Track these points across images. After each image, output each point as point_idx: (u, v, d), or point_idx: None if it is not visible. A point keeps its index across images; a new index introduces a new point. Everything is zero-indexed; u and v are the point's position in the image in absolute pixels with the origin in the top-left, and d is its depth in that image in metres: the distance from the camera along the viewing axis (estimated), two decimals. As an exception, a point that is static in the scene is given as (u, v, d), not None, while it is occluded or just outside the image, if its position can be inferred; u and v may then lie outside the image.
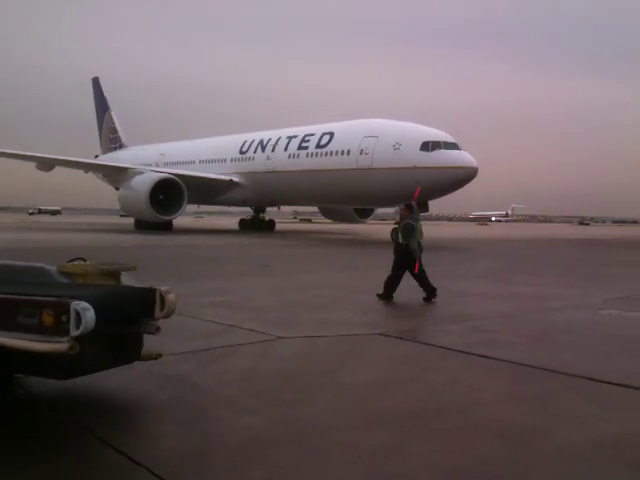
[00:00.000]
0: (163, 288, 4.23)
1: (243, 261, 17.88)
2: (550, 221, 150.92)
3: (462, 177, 27.55)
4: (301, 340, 6.57)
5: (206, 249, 23.17)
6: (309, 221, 77.16)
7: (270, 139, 35.76)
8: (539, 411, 4.34)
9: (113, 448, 3.49)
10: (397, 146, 28.31)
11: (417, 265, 9.60)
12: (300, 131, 34.50)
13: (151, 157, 43.94)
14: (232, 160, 37.78)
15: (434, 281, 10.20)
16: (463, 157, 27.55)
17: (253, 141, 36.94)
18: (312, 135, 33.04)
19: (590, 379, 5.09)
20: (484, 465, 3.38)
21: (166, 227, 34.96)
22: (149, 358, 4.45)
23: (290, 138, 34.46)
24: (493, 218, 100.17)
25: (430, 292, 9.59)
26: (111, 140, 54.53)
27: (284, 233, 39.47)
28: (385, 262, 18.28)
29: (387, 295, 9.56)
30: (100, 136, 57.02)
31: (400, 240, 9.83)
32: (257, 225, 41.98)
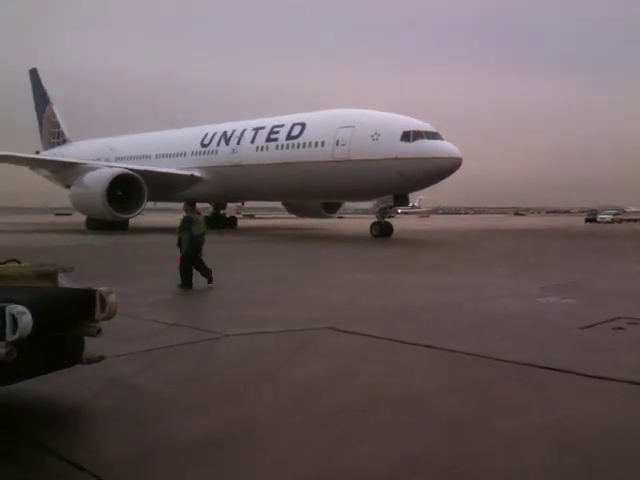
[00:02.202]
0: (103, 289, 4.18)
1: None
2: (487, 212, 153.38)
3: (446, 168, 26.32)
4: (248, 337, 6.57)
5: (155, 247, 22.46)
6: (252, 217, 74.99)
7: (234, 131, 33.55)
8: (479, 399, 4.51)
9: (55, 455, 3.43)
10: (376, 136, 26.67)
11: (180, 257, 10.58)
12: (267, 122, 32.42)
13: (99, 152, 41.15)
14: (193, 154, 35.35)
15: (383, 272, 12.51)
16: (446, 147, 26.24)
17: (215, 133, 34.61)
18: (281, 126, 31.01)
19: (528, 365, 5.28)
20: (431, 454, 3.50)
21: (121, 226, 32.03)
22: (90, 361, 4.38)
23: (257, 130, 32.30)
24: (399, 210, 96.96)
25: (208, 277, 10.52)
26: (53, 135, 51.03)
27: (248, 230, 37.24)
28: (340, 256, 19.13)
29: (185, 284, 10.33)
30: (40, 131, 52.76)
31: (178, 233, 10.86)
32: (218, 222, 39.28)
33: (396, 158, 26.26)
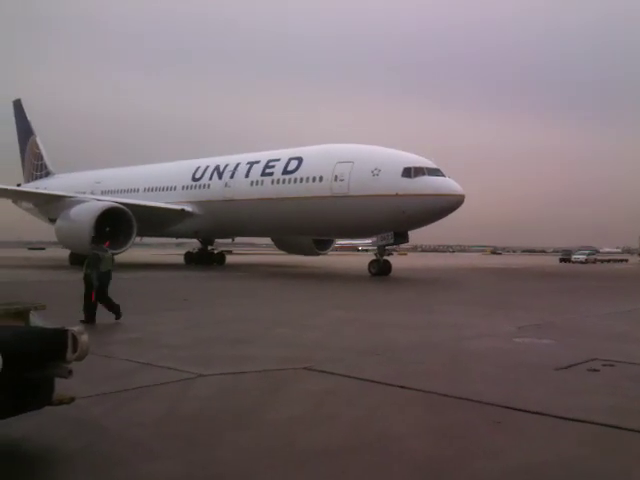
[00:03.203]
0: (76, 329, 4.10)
1: (173, 295, 17.22)
2: (465, 250, 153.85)
3: (449, 205, 25.70)
4: (223, 377, 6.53)
5: (131, 283, 22.03)
6: (229, 252, 73.33)
7: (227, 165, 32.68)
8: (456, 441, 4.52)
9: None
10: (376, 172, 25.99)
11: (93, 293, 10.80)
12: (262, 156, 31.59)
13: (85, 185, 40.03)
14: (183, 188, 34.39)
15: (360, 311, 13.11)
16: (449, 184, 25.59)
17: (207, 167, 33.73)
18: (277, 160, 30.18)
19: (505, 407, 5.31)
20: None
21: None
22: (61, 402, 4.28)
23: (251, 164, 31.45)
24: (360, 247, 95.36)
25: (117, 313, 10.88)
26: (36, 167, 49.94)
27: (237, 266, 36.16)
28: (311, 294, 19.05)
29: (88, 319, 10.52)
30: (23, 163, 51.03)
31: (85, 270, 11.14)
32: (205, 258, 37.83)
33: (397, 195, 25.67)
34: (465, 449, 4.32)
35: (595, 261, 74.73)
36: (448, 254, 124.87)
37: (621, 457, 4.24)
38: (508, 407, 5.29)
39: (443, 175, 26.29)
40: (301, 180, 29.27)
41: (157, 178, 37.77)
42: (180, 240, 48.36)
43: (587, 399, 5.70)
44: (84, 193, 37.21)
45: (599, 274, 38.94)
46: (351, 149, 28.99)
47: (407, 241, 28.48)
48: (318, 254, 39.58)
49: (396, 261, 55.20)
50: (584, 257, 73.67)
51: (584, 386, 6.29)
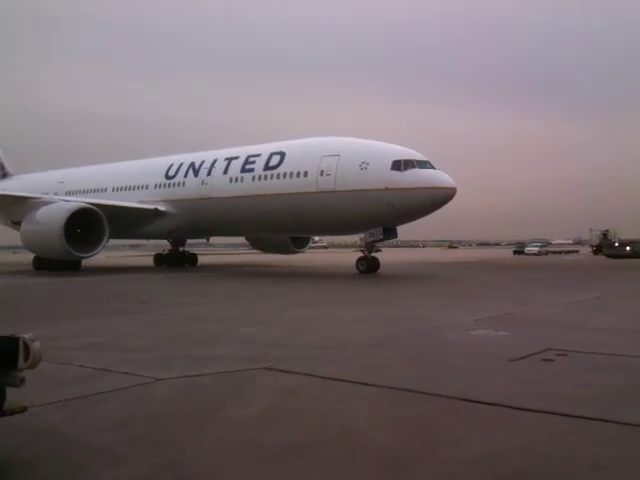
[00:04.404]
0: (27, 336, 3.94)
1: (128, 298, 16.98)
2: (424, 245, 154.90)
3: (441, 198, 24.77)
4: (181, 380, 6.35)
5: (94, 286, 22.14)
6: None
7: (204, 161, 31.13)
8: (417, 434, 4.60)
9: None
10: (364, 166, 24.89)
11: None
12: (241, 152, 30.14)
13: (47, 186, 38.01)
14: (156, 186, 32.67)
15: (321, 307, 13.18)
16: (440, 176, 24.73)
17: (182, 164, 32.06)
18: (257, 156, 28.77)
19: (463, 399, 5.40)
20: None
21: (74, 267, 28.09)
22: (13, 412, 4.08)
23: (229, 160, 30.03)
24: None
25: None
26: None
27: (209, 267, 34.48)
28: (274, 290, 19.08)
29: None
30: (-23, 165, 47.65)
31: None
32: (177, 260, 35.82)
33: (386, 189, 24.71)
34: (427, 440, 4.42)
35: (547, 253, 77.07)
36: (412, 249, 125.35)
37: (577, 442, 4.35)
38: (466, 399, 5.39)
39: (433, 167, 25.67)
40: (284, 176, 28.27)
41: (127, 177, 36.46)
42: (135, 242, 46.09)
43: (541, 388, 5.82)
44: (47, 194, 34.70)
45: (553, 265, 40.26)
46: (337, 142, 28.13)
47: (396, 236, 27.41)
48: (295, 252, 38.31)
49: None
50: (537, 249, 76.24)
51: (538, 376, 6.42)
